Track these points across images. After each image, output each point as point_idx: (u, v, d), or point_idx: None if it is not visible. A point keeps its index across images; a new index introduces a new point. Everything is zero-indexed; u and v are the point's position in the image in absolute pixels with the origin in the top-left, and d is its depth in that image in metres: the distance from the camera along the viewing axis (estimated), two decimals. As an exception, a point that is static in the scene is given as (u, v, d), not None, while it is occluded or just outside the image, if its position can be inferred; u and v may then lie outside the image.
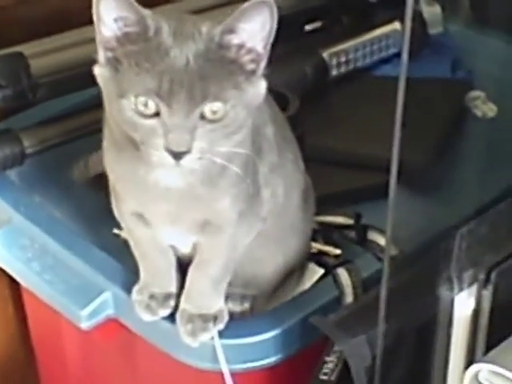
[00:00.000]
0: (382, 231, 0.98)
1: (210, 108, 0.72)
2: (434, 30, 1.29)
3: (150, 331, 0.92)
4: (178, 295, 0.89)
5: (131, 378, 1.03)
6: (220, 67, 0.72)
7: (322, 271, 0.96)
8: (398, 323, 0.77)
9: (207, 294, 0.88)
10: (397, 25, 1.28)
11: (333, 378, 0.85)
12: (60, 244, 0.99)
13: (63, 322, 1.01)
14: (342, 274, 0.93)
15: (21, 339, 1.25)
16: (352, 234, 1.01)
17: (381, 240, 0.97)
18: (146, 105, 0.72)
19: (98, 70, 0.75)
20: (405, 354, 0.80)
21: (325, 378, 0.86)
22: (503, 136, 1.12)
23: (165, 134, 0.72)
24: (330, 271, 0.95)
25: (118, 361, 1.04)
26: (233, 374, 0.88)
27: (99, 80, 0.75)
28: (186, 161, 0.73)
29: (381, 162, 1.08)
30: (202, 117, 0.72)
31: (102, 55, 0.74)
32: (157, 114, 0.72)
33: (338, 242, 1.00)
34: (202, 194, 0.79)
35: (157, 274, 0.89)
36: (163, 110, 0.72)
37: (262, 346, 0.88)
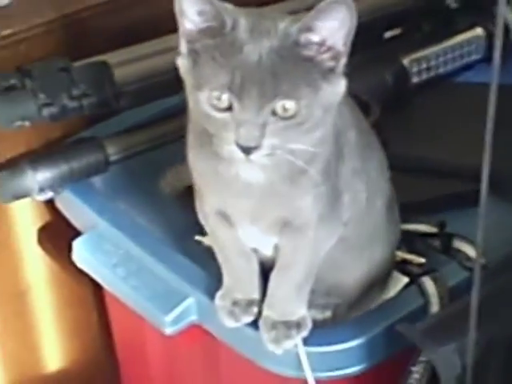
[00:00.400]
0: (467, 239, 0.96)
1: (281, 105, 0.72)
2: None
3: (233, 337, 0.91)
4: (261, 302, 0.89)
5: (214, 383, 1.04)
6: (294, 65, 0.72)
7: (406, 280, 0.94)
8: (488, 333, 0.75)
9: (290, 299, 0.87)
10: (479, 30, 1.26)
11: (419, 388, 0.84)
12: (144, 250, 1.00)
13: (147, 327, 1.02)
14: (428, 282, 0.91)
15: (104, 344, 1.27)
16: (436, 242, 0.99)
17: (467, 249, 0.95)
18: (219, 99, 0.73)
19: (180, 61, 0.76)
20: (495, 365, 0.78)
21: (410, 388, 0.84)
22: None
23: (236, 128, 0.73)
24: (414, 280, 0.93)
25: (201, 367, 1.04)
26: (317, 382, 0.87)
27: (181, 70, 0.77)
28: (255, 156, 0.73)
29: (465, 170, 1.07)
30: (274, 113, 0.72)
31: (183, 46, 0.76)
32: (229, 109, 0.73)
33: (422, 250, 0.98)
34: (282, 191, 0.79)
35: (240, 279, 0.89)
36: (235, 104, 0.72)
37: (347, 355, 0.87)
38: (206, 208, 0.86)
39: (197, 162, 0.82)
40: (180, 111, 1.10)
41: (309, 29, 0.72)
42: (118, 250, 1.01)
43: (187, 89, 0.77)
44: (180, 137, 1.08)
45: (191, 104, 0.77)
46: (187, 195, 1.00)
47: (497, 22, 0.66)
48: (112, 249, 1.02)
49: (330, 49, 0.73)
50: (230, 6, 0.74)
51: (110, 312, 1.18)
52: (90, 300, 1.25)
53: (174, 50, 1.09)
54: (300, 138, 0.74)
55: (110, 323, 1.19)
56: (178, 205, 1.03)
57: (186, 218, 0.96)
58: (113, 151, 1.07)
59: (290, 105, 0.72)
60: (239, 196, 0.81)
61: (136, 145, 1.09)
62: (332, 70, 0.74)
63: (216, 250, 0.90)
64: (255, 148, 0.73)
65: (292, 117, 0.73)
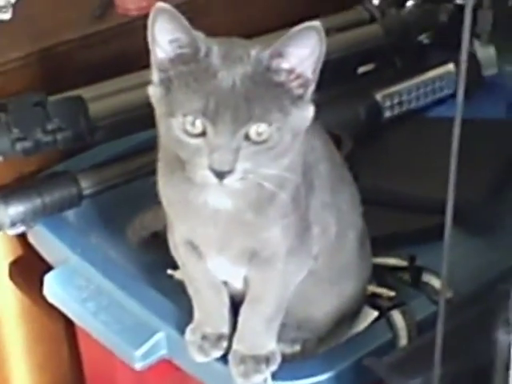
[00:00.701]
0: (436, 273, 0.96)
1: (254, 129, 0.73)
2: (489, 71, 1.28)
3: (203, 372, 0.91)
4: (231, 336, 0.89)
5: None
6: (266, 90, 0.73)
7: (375, 313, 0.95)
8: (455, 366, 0.76)
9: (259, 333, 0.87)
10: (451, 66, 1.28)
11: (387, 422, 0.84)
12: (115, 284, 0.99)
13: (117, 362, 1.01)
14: (397, 316, 0.91)
15: (75, 379, 1.26)
16: (406, 275, 1.00)
17: (435, 282, 0.96)
18: (193, 124, 0.74)
19: (151, 90, 0.77)
20: (461, 399, 0.78)
21: (379, 422, 0.84)
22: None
23: (209, 153, 0.74)
24: (384, 313, 0.93)
25: (172, 402, 1.03)
26: (286, 417, 0.87)
27: (152, 100, 0.77)
28: (228, 180, 0.74)
29: (435, 204, 1.07)
30: (247, 138, 0.74)
31: (155, 75, 0.77)
32: (203, 134, 0.74)
33: (392, 283, 0.99)
34: (250, 220, 0.80)
35: (210, 312, 0.89)
36: (209, 129, 0.73)
37: (316, 389, 0.87)
38: (176, 238, 0.87)
39: (167, 189, 0.83)
40: (153, 146, 1.12)
41: (279, 55, 0.74)
42: (89, 284, 1.01)
43: (159, 117, 0.78)
44: (153, 171, 1.10)
45: (162, 131, 0.77)
46: (153, 242, 1.01)
47: (460, 57, 0.67)
48: (83, 283, 1.02)
49: (299, 76, 0.74)
50: (201, 35, 0.76)
51: (81, 346, 1.17)
52: (61, 335, 1.25)
53: (148, 85, 1.11)
54: (270, 163, 0.75)
55: (81, 358, 1.19)
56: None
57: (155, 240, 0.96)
58: (86, 185, 1.08)
59: (263, 128, 0.74)
60: (207, 224, 0.81)
61: (109, 179, 1.10)
62: (301, 97, 0.75)
63: (186, 282, 0.90)
64: (229, 172, 0.74)
65: (264, 141, 0.74)
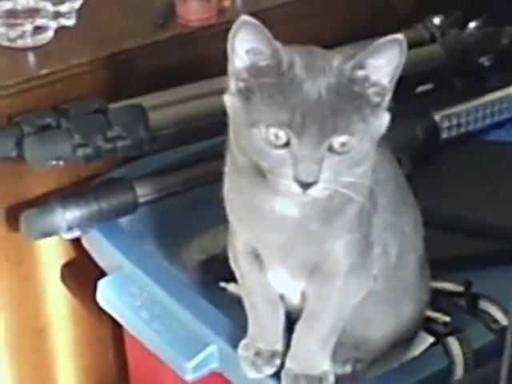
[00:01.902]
0: (494, 301, 0.95)
1: (338, 140, 0.74)
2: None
3: (254, 388, 0.90)
4: (284, 354, 0.88)
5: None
6: (349, 101, 0.74)
7: (431, 339, 0.93)
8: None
9: (313, 352, 0.86)
10: (511, 90, 1.26)
11: None
12: (169, 294, 0.99)
13: (165, 370, 1.01)
14: (453, 343, 0.90)
15: (120, 383, 1.26)
16: (461, 301, 0.98)
17: (493, 310, 0.94)
18: (276, 135, 0.74)
19: (228, 99, 0.77)
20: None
21: None
22: None
23: (294, 164, 0.74)
24: (440, 339, 0.92)
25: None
26: None
27: (228, 108, 0.77)
28: (313, 191, 0.74)
29: (492, 229, 1.06)
30: (330, 148, 0.74)
31: (233, 85, 0.76)
32: (286, 145, 0.74)
33: (447, 309, 0.97)
34: (315, 230, 0.80)
35: (265, 327, 0.88)
36: (293, 141, 0.73)
37: (368, 413, 0.86)
38: (238, 247, 0.86)
39: (233, 194, 0.83)
40: (210, 156, 1.12)
41: (361, 66, 0.74)
42: (142, 292, 1.01)
43: (235, 126, 0.77)
44: (209, 181, 1.09)
45: (242, 141, 0.77)
46: (210, 265, 1.00)
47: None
48: (137, 291, 1.01)
49: (376, 84, 0.75)
50: (280, 44, 0.75)
51: (128, 352, 1.17)
52: (109, 338, 1.25)
53: (209, 95, 1.10)
54: (349, 171, 0.76)
55: (128, 362, 1.18)
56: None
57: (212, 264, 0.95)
58: (142, 193, 1.08)
59: (346, 139, 0.74)
60: (271, 230, 0.81)
61: (165, 187, 1.09)
62: (378, 105, 0.76)
63: (243, 295, 0.89)
64: (313, 183, 0.74)
65: (347, 151, 0.74)
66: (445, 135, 1.21)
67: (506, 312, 0.92)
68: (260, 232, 0.82)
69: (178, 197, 1.11)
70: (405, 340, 0.93)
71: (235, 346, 0.90)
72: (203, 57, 1.16)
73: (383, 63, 0.74)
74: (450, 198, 1.12)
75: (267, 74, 0.74)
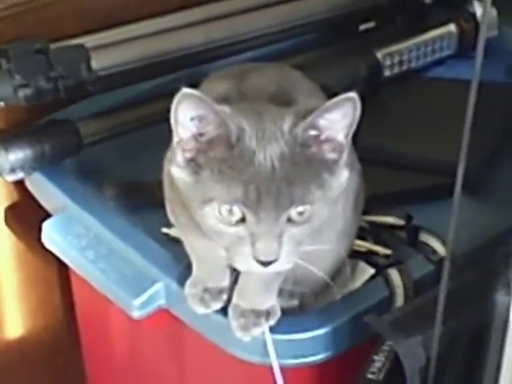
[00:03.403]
0: (434, 233, 0.98)
1: (296, 212, 0.72)
2: (489, 33, 1.28)
3: (202, 323, 0.92)
4: (231, 289, 0.90)
5: (178, 368, 1.05)
6: (305, 169, 0.71)
7: (372, 271, 0.96)
8: (453, 326, 0.77)
9: (260, 291, 0.88)
10: (451, 27, 1.28)
11: (380, 377, 0.86)
12: (114, 234, 1.00)
13: (112, 309, 1.02)
14: (394, 274, 0.93)
15: (67, 323, 1.27)
16: (402, 234, 1.01)
17: (432, 242, 0.97)
18: (230, 212, 0.71)
19: (176, 172, 0.74)
20: (458, 357, 0.80)
21: (372, 376, 0.86)
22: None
23: (252, 242, 0.72)
24: (380, 271, 0.95)
25: (166, 350, 1.05)
26: (282, 369, 0.88)
27: (177, 182, 0.75)
28: (274, 267, 0.73)
29: (432, 164, 1.09)
30: (289, 220, 0.72)
31: (180, 157, 0.73)
32: (242, 220, 0.72)
33: (388, 242, 1.00)
34: None
35: (211, 271, 0.90)
36: (249, 218, 0.71)
37: (312, 343, 0.89)
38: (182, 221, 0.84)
39: (192, 239, 0.83)
40: (153, 97, 1.12)
41: (313, 127, 0.72)
42: (88, 232, 1.02)
43: (186, 200, 0.75)
44: (153, 122, 1.10)
45: (196, 218, 0.74)
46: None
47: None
48: (82, 232, 1.02)
49: (331, 141, 0.73)
50: (227, 109, 0.72)
51: (74, 292, 1.18)
52: (55, 279, 1.26)
53: (151, 35, 1.11)
54: (308, 239, 0.75)
55: (74, 302, 1.20)
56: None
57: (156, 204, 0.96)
58: (86, 134, 1.08)
59: (305, 209, 0.72)
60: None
61: (109, 128, 1.10)
62: (336, 162, 0.74)
63: (187, 248, 0.90)
64: (274, 260, 0.73)
65: (307, 220, 0.73)
66: (387, 73, 1.23)
67: (444, 243, 0.95)
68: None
69: (122, 138, 1.11)
70: (344, 271, 0.95)
71: (182, 283, 0.92)
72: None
73: (337, 119, 0.71)
74: (392, 135, 1.14)
75: (215, 148, 0.71)
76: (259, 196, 0.70)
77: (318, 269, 0.91)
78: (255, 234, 0.72)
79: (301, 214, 0.72)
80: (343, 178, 0.75)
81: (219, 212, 0.72)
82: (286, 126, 0.72)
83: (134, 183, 1.07)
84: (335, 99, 0.71)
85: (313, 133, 0.72)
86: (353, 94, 0.71)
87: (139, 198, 1.05)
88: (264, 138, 0.71)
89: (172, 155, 0.76)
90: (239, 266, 0.75)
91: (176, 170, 0.74)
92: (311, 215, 0.73)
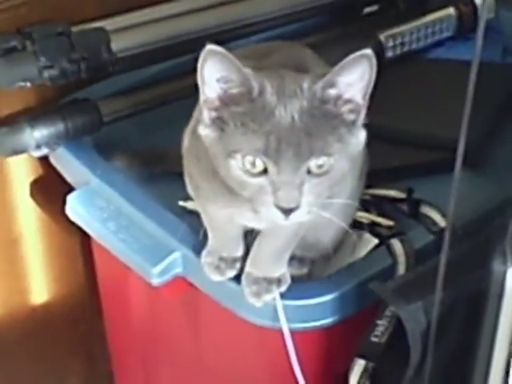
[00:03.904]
0: (434, 206, 0.98)
1: (315, 163, 0.72)
2: (486, 15, 1.28)
3: (216, 290, 0.94)
4: (244, 258, 0.91)
5: (194, 333, 1.06)
6: (324, 122, 0.71)
7: (376, 241, 0.97)
8: (453, 293, 0.79)
9: (272, 261, 0.89)
10: (451, 10, 1.28)
11: (383, 340, 0.87)
12: (134, 206, 1.01)
13: (132, 277, 1.04)
14: (396, 244, 0.94)
15: (89, 291, 1.29)
16: (404, 207, 1.02)
17: (433, 214, 0.98)
18: (253, 164, 0.72)
19: (202, 131, 0.75)
20: (457, 322, 0.81)
21: (375, 339, 0.87)
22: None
23: (274, 191, 0.72)
24: (384, 241, 0.96)
25: (183, 316, 1.06)
26: (291, 333, 0.90)
27: (205, 140, 0.75)
28: (295, 216, 0.73)
29: (432, 140, 1.10)
30: (309, 171, 0.72)
31: (206, 116, 0.74)
32: (264, 172, 0.72)
33: (391, 214, 1.01)
34: None
35: (226, 242, 0.91)
36: (271, 168, 0.71)
37: (320, 308, 0.90)
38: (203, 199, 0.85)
39: (211, 210, 0.83)
40: (170, 76, 1.13)
41: (332, 85, 0.72)
42: (109, 205, 1.03)
43: (213, 157, 0.75)
44: (171, 100, 1.11)
45: (221, 171, 0.75)
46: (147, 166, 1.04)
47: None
48: (104, 204, 1.03)
49: (349, 102, 0.73)
50: (249, 70, 0.72)
51: (96, 261, 1.20)
52: (78, 249, 1.27)
53: (167, 18, 1.11)
54: (329, 191, 0.75)
55: (96, 271, 1.21)
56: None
57: (174, 177, 0.97)
58: (106, 112, 1.09)
59: (324, 161, 0.72)
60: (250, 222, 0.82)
61: (128, 107, 1.10)
62: (354, 123, 0.74)
63: (204, 220, 0.91)
64: (295, 208, 0.72)
65: (325, 172, 0.73)
66: (390, 54, 1.23)
67: (444, 215, 0.96)
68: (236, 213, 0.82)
69: (142, 116, 1.12)
70: (351, 240, 0.96)
71: (198, 252, 0.93)
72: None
73: (354, 80, 0.71)
74: (394, 113, 1.15)
75: (239, 103, 0.72)
76: (279, 146, 0.70)
77: (326, 236, 0.92)
78: (276, 184, 0.72)
79: (320, 166, 0.72)
80: (361, 138, 0.75)
81: (243, 164, 0.72)
82: (306, 85, 0.72)
83: (145, 151, 1.08)
84: (351, 56, 0.71)
85: (332, 92, 0.72)
86: (368, 51, 0.71)
87: (152, 166, 1.06)
88: (284, 94, 0.71)
89: (199, 114, 0.76)
90: (262, 216, 0.74)
91: (203, 128, 0.75)
92: (330, 168, 0.73)
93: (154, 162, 1.06)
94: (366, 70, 0.72)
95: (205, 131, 0.75)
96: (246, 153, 0.72)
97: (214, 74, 0.71)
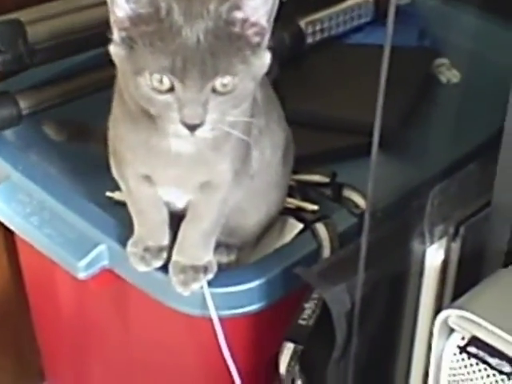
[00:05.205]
0: (356, 189, 1.00)
1: (220, 82, 0.74)
2: (402, 0, 1.31)
3: (143, 281, 0.94)
4: (170, 248, 0.91)
5: (124, 325, 1.06)
6: (228, 43, 0.74)
7: (301, 226, 0.98)
8: (375, 273, 0.80)
9: (198, 246, 0.90)
10: (368, -5, 1.30)
11: (310, 322, 0.89)
12: (57, 200, 1.00)
13: (58, 271, 1.03)
14: (320, 228, 0.95)
15: (15, 287, 1.26)
16: (328, 191, 1.03)
17: (355, 197, 1.00)
18: (160, 81, 0.74)
19: (113, 49, 0.76)
20: (380, 302, 0.83)
21: (303, 322, 0.89)
22: (466, 100, 1.15)
23: (179, 108, 0.74)
24: (308, 226, 0.97)
25: (111, 309, 1.06)
26: (221, 320, 0.90)
27: (114, 58, 0.76)
28: (200, 132, 0.75)
29: (353, 125, 1.11)
30: (214, 90, 0.74)
31: (116, 35, 0.76)
32: (171, 90, 0.74)
33: (315, 198, 1.02)
34: (208, 158, 0.82)
35: (151, 228, 0.91)
36: (177, 85, 0.74)
37: (247, 294, 0.91)
38: (127, 171, 0.87)
39: (126, 135, 0.83)
40: (90, 67, 1.12)
41: (237, 7, 0.74)
42: (31, 200, 1.02)
43: (122, 75, 0.77)
44: (89, 92, 1.10)
45: (130, 89, 0.77)
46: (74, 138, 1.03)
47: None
48: (26, 199, 1.02)
49: (254, 25, 0.75)
50: None
51: (21, 257, 1.18)
52: (1, 245, 1.24)
53: (86, 8, 1.09)
54: (234, 110, 0.77)
55: (21, 267, 1.19)
56: (88, 155, 1.03)
57: (97, 167, 0.96)
58: (25, 105, 1.07)
59: (228, 80, 0.74)
60: (168, 165, 0.83)
61: (47, 99, 1.09)
62: (258, 45, 0.76)
63: (129, 203, 0.91)
64: (199, 125, 0.74)
65: (230, 92, 0.75)
66: (310, 40, 1.24)
67: (365, 198, 0.97)
68: (156, 166, 0.84)
69: (60, 108, 1.10)
70: (276, 226, 0.98)
71: (123, 244, 0.93)
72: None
73: (259, 3, 0.74)
74: (316, 98, 1.16)
75: (147, 23, 0.74)
76: (185, 65, 0.73)
77: (251, 221, 0.94)
78: (182, 101, 0.74)
79: (224, 85, 0.74)
80: (266, 60, 0.77)
81: (150, 81, 0.74)
82: (212, 7, 0.74)
83: (75, 123, 1.06)
84: None
85: (237, 14, 0.74)
86: None
87: (79, 139, 1.05)
88: (191, 14, 0.74)
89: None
90: (169, 132, 0.77)
91: (113, 47, 0.76)
92: (234, 87, 0.75)
93: (81, 136, 1.05)
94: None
95: (115, 50, 0.76)
96: (153, 70, 0.73)
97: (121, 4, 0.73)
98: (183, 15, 0.74)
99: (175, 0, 0.74)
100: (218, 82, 0.74)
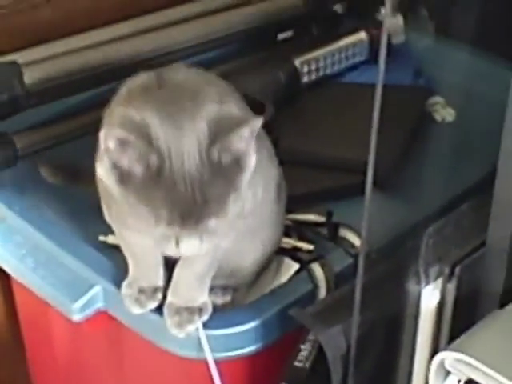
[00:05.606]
0: (352, 228, 1.00)
1: (214, 222, 0.77)
2: (396, 39, 1.32)
3: (138, 323, 0.93)
4: (165, 288, 0.91)
5: (119, 367, 1.05)
6: (222, 185, 0.77)
7: (297, 266, 0.98)
8: (371, 315, 0.80)
9: (193, 288, 0.89)
10: (362, 34, 1.31)
11: (307, 364, 0.88)
12: (52, 242, 1.00)
13: (53, 313, 1.02)
14: (316, 268, 0.95)
15: (11, 328, 1.25)
16: (324, 230, 1.03)
17: (351, 237, 1.00)
18: (158, 225, 0.77)
19: (101, 172, 0.78)
20: (376, 343, 0.83)
21: (299, 364, 0.88)
22: (461, 138, 1.15)
23: (176, 242, 0.78)
24: (304, 266, 0.97)
25: (106, 351, 1.05)
26: (216, 362, 0.90)
27: (102, 177, 0.79)
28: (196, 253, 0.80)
29: (348, 164, 1.11)
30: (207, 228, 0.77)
31: (107, 162, 0.77)
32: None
33: (311, 238, 1.02)
34: None
35: (145, 270, 0.91)
36: (174, 228, 0.77)
37: (243, 336, 0.90)
38: (119, 221, 0.87)
39: (126, 234, 0.86)
40: (86, 108, 1.12)
41: (227, 150, 0.76)
42: (26, 241, 1.01)
43: (117, 200, 0.79)
44: (87, 132, 1.10)
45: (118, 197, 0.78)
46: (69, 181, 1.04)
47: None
48: (21, 240, 1.02)
49: (242, 159, 0.78)
50: (147, 147, 0.75)
51: (16, 299, 1.17)
52: (-4, 286, 1.24)
53: (80, 50, 1.10)
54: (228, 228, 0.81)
55: (17, 307, 1.19)
56: (84, 198, 1.03)
57: (92, 210, 0.96)
58: (21, 146, 1.07)
59: (222, 220, 0.77)
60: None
61: (44, 140, 1.09)
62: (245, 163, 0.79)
63: (122, 247, 0.91)
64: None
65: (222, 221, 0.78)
66: (305, 79, 1.25)
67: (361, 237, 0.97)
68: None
69: (56, 149, 1.11)
70: (272, 266, 0.97)
71: (118, 285, 0.92)
72: (73, 11, 1.15)
73: (245, 141, 0.77)
74: (311, 138, 1.16)
75: (138, 176, 0.75)
76: (182, 218, 0.75)
77: (247, 261, 0.94)
78: (179, 236, 0.77)
79: (217, 223, 0.78)
80: (252, 163, 0.79)
81: (147, 225, 0.77)
82: (203, 147, 0.76)
83: (69, 166, 1.07)
84: (239, 123, 0.76)
85: (227, 155, 0.77)
86: (253, 119, 0.77)
87: (73, 182, 1.06)
88: (184, 165, 0.75)
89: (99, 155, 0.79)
90: (164, 252, 0.82)
91: (102, 170, 0.78)
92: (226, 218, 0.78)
93: (75, 179, 1.05)
94: (252, 133, 0.77)
95: (105, 177, 0.78)
96: (148, 221, 0.76)
97: (113, 156, 0.75)
98: (176, 167, 0.75)
99: (165, 144, 0.75)
100: (211, 223, 0.77)
